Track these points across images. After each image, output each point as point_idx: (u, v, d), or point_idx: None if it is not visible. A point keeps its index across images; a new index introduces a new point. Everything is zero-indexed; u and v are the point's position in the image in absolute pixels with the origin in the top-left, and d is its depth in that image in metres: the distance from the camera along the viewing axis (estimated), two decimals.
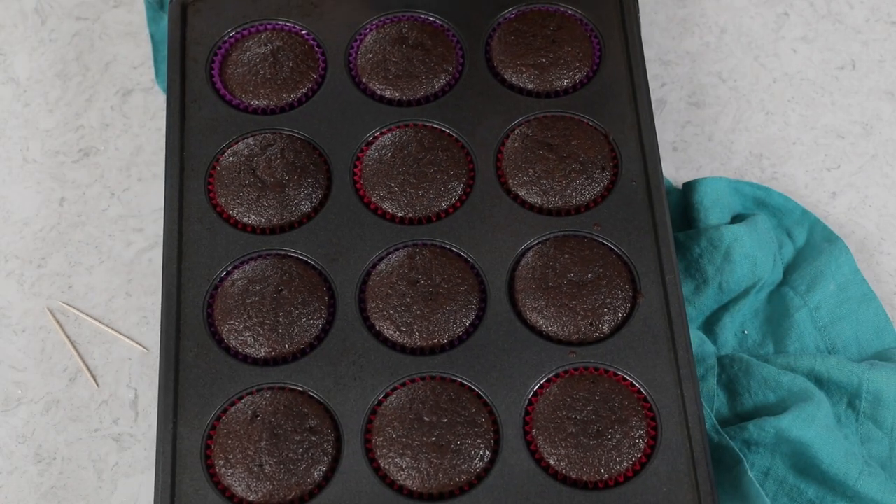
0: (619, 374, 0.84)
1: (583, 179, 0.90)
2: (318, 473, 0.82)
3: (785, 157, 1.03)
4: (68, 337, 0.95)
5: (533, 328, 0.86)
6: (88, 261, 0.99)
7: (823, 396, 0.89)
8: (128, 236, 1.00)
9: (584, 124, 0.93)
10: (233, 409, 0.84)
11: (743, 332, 0.95)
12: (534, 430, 0.83)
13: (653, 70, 1.06)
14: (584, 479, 0.81)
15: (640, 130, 0.92)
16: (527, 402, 0.84)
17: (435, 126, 0.93)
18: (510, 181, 0.91)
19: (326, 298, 0.87)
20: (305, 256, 0.89)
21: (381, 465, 0.82)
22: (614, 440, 0.82)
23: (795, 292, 0.95)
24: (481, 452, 0.82)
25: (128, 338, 0.96)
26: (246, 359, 0.86)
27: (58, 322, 0.96)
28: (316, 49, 0.97)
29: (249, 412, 0.83)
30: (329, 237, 0.89)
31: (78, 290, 0.98)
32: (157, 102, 1.06)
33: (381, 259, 0.89)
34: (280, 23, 0.98)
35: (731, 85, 1.06)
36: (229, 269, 0.89)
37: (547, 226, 0.89)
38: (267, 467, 0.81)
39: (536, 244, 0.89)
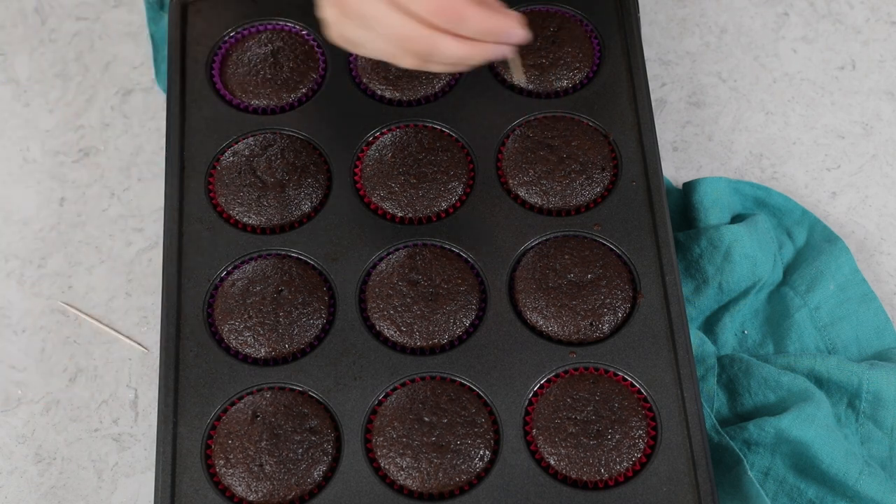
0: (619, 374, 0.84)
1: (583, 180, 0.90)
2: (318, 473, 0.82)
3: (785, 157, 1.03)
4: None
5: (533, 328, 0.86)
6: (88, 261, 0.99)
7: (823, 396, 0.89)
8: (128, 236, 1.00)
9: (584, 125, 0.93)
10: (233, 409, 0.84)
11: (743, 332, 0.95)
12: (534, 430, 0.83)
13: (653, 70, 1.06)
14: (584, 479, 0.81)
15: (640, 130, 0.92)
16: (527, 402, 0.84)
17: (435, 126, 0.93)
18: (510, 181, 0.91)
19: (326, 298, 0.88)
20: (305, 256, 0.89)
21: (382, 464, 0.82)
22: (614, 440, 0.82)
23: (795, 292, 0.95)
24: (481, 452, 0.82)
25: (128, 338, 0.96)
26: (246, 359, 0.86)
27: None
28: (316, 49, 0.97)
29: (249, 412, 0.83)
30: (329, 237, 0.89)
31: (78, 290, 0.98)
32: (157, 102, 1.06)
33: (381, 259, 0.89)
34: (280, 23, 0.98)
35: (731, 85, 1.06)
36: (229, 269, 0.89)
37: (547, 226, 0.89)
38: (267, 467, 0.81)
39: (536, 244, 0.89)
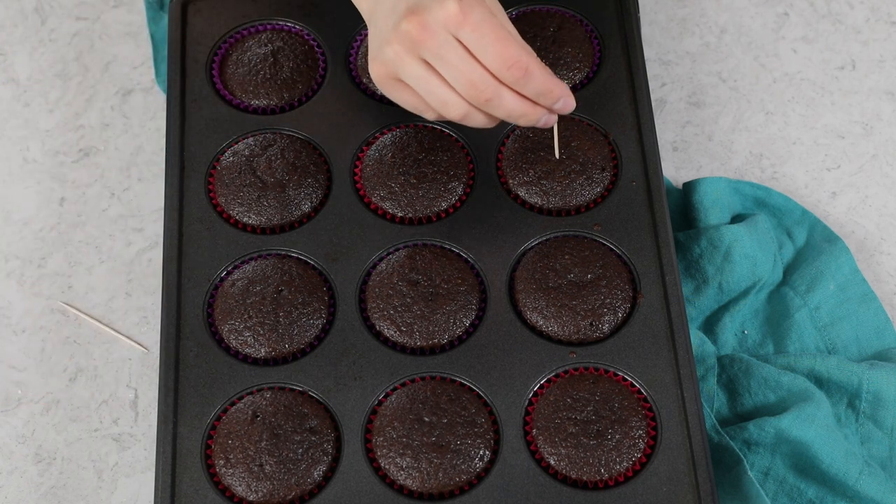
0: (619, 374, 0.84)
1: (583, 180, 0.90)
2: (318, 473, 0.82)
3: (785, 157, 1.03)
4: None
5: (533, 328, 0.86)
6: (88, 261, 0.99)
7: (823, 396, 0.89)
8: (128, 236, 1.00)
9: (584, 125, 0.93)
10: (233, 409, 0.84)
11: (743, 332, 0.95)
12: (534, 430, 0.83)
13: (653, 70, 1.06)
14: (584, 479, 0.81)
15: (640, 130, 0.92)
16: (527, 402, 0.84)
17: (435, 126, 0.93)
18: (510, 181, 0.91)
19: (326, 298, 0.88)
20: (305, 256, 0.89)
21: (382, 464, 0.82)
22: (614, 440, 0.82)
23: (795, 292, 0.95)
24: (481, 452, 0.82)
25: (128, 338, 0.96)
26: (246, 359, 0.86)
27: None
28: (316, 49, 0.97)
29: (249, 412, 0.83)
30: (329, 237, 0.89)
31: (78, 290, 0.98)
32: (157, 102, 1.06)
33: (381, 259, 0.89)
34: (280, 23, 0.98)
35: (731, 85, 1.06)
36: (229, 269, 0.89)
37: (547, 226, 0.89)
38: (267, 467, 0.81)
39: (536, 244, 0.89)
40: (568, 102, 0.81)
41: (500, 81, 0.78)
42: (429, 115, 0.82)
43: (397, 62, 0.79)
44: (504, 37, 0.77)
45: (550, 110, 0.81)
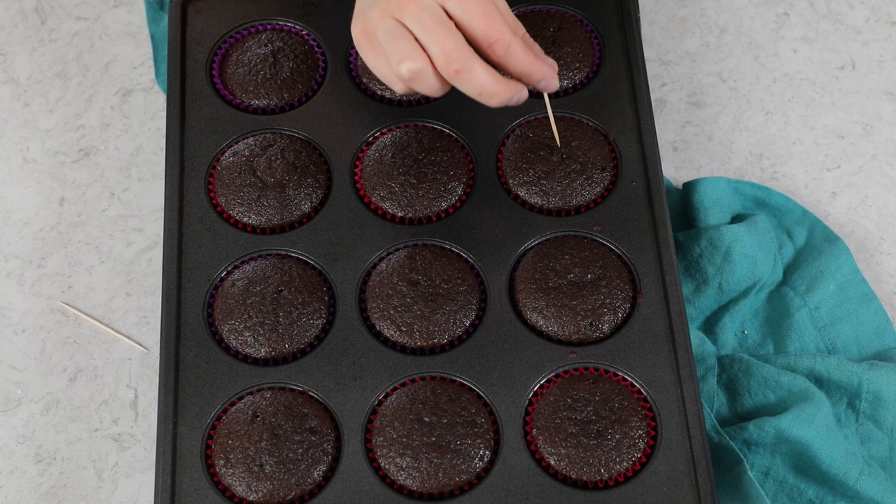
0: (619, 374, 0.84)
1: (583, 180, 0.90)
2: (318, 473, 0.82)
3: (785, 157, 1.03)
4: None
5: (533, 328, 0.86)
6: (88, 261, 0.99)
7: (823, 396, 0.89)
8: (128, 236, 1.00)
9: (584, 125, 0.93)
10: (233, 409, 0.84)
11: (743, 332, 0.95)
12: (534, 430, 0.83)
13: (653, 70, 1.06)
14: (584, 479, 0.81)
15: (640, 130, 0.92)
16: (527, 402, 0.84)
17: (435, 126, 0.93)
18: (510, 181, 0.91)
19: (326, 298, 0.88)
20: (305, 256, 0.89)
21: (382, 464, 0.82)
22: (614, 440, 0.82)
23: (795, 292, 0.96)
24: (481, 452, 0.82)
25: (128, 338, 0.96)
26: (246, 359, 0.86)
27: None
28: (316, 49, 0.97)
29: (249, 412, 0.83)
30: (329, 237, 0.89)
31: (78, 290, 0.98)
32: (157, 102, 1.06)
33: (381, 259, 0.89)
34: (280, 23, 0.98)
35: (731, 85, 1.06)
36: (229, 269, 0.89)
37: (547, 226, 0.89)
38: (267, 467, 0.81)
39: (536, 244, 0.89)
40: (550, 84, 0.79)
41: (482, 53, 0.76)
42: (397, 87, 0.79)
43: (377, 21, 0.77)
44: (490, 12, 0.75)
45: (535, 88, 0.79)
